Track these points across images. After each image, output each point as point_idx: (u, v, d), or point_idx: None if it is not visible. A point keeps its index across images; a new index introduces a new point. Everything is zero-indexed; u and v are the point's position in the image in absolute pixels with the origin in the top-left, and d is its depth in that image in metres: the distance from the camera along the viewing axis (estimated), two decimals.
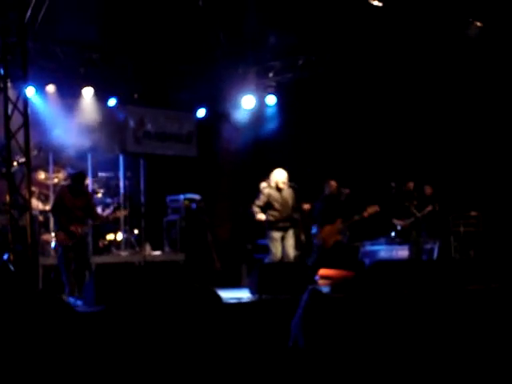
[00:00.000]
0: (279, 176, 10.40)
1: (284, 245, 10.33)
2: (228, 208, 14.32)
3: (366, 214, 11.34)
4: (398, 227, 11.92)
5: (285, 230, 10.34)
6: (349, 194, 11.60)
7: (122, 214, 11.45)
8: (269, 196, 10.35)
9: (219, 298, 5.91)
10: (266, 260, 10.55)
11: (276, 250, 10.29)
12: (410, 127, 13.14)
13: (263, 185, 10.56)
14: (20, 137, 9.45)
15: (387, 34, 11.63)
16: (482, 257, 11.95)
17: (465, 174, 12.73)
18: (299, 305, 4.98)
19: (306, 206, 10.64)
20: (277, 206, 10.34)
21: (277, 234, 10.32)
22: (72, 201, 9.36)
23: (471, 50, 11.61)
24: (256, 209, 10.31)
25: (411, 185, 11.79)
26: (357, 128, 13.48)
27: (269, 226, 10.36)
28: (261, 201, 10.36)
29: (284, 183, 10.34)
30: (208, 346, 5.31)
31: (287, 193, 10.44)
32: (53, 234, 10.39)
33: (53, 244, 10.38)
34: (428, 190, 12.37)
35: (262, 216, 10.27)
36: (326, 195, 11.54)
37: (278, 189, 10.37)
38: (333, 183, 11.56)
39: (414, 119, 13.09)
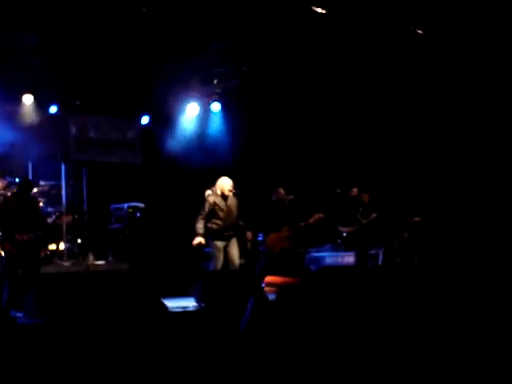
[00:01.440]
0: (225, 183, 10.35)
1: (228, 253, 10.28)
2: (173, 216, 14.18)
3: (311, 221, 11.36)
4: (344, 234, 11.99)
5: (228, 238, 10.30)
6: (292, 200, 11.61)
7: (66, 219, 11.23)
8: (214, 204, 10.29)
9: (164, 307, 5.81)
10: (210, 269, 10.48)
11: (218, 259, 10.24)
12: (354, 134, 13.26)
13: (208, 192, 10.50)
14: None
15: (331, 40, 11.69)
16: (426, 262, 12.09)
17: (407, 180, 12.88)
18: (245, 311, 4.94)
19: (249, 236, 10.78)
20: (221, 214, 10.30)
21: (220, 244, 10.27)
22: (18, 209, 9.14)
23: (400, 56, 11.77)
24: (198, 229, 10.20)
25: (355, 191, 11.87)
26: (301, 134, 13.54)
27: (212, 235, 10.30)
28: (206, 208, 10.28)
29: (230, 191, 10.30)
30: (153, 353, 5.20)
31: (232, 201, 10.41)
32: None
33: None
34: (365, 198, 12.46)
35: (200, 240, 10.21)
36: (272, 202, 11.50)
37: (224, 196, 10.31)
38: (281, 190, 11.55)
39: (357, 125, 13.22)
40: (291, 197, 11.76)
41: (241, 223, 10.54)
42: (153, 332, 5.65)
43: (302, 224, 11.46)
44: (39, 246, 9.44)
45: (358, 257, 11.92)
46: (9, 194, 11.20)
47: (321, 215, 11.38)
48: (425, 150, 12.84)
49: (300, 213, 11.64)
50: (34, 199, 9.94)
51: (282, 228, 11.38)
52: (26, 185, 9.57)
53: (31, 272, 9.22)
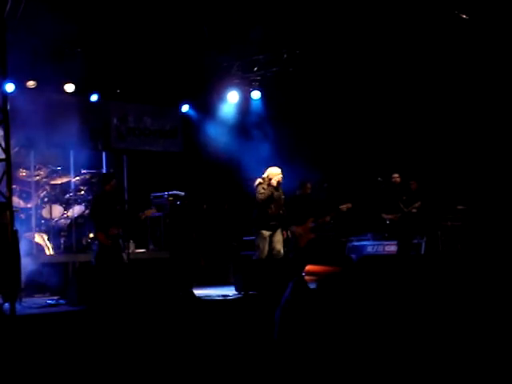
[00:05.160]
0: (276, 173, 10.29)
1: (273, 242, 10.24)
2: (214, 205, 14.17)
3: (337, 212, 11.40)
4: (387, 222, 11.81)
5: (275, 228, 10.26)
6: (328, 188, 11.68)
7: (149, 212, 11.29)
8: (270, 193, 10.22)
9: (195, 297, 5.78)
10: (254, 257, 10.45)
11: (264, 248, 10.19)
12: (396, 121, 13.08)
13: (260, 181, 10.39)
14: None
15: (372, 27, 11.52)
16: (469, 251, 11.90)
17: (452, 169, 12.66)
18: (283, 296, 4.88)
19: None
20: (272, 204, 10.24)
21: (266, 233, 10.22)
22: (111, 204, 9.79)
23: (455, 44, 11.54)
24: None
25: (396, 177, 11.67)
26: (342, 121, 13.40)
27: (259, 224, 10.24)
28: (265, 195, 10.17)
29: (280, 182, 10.28)
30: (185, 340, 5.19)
31: (280, 190, 10.39)
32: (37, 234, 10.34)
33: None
34: (413, 185, 12.30)
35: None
36: (296, 196, 11.43)
37: (275, 186, 10.26)
38: (308, 185, 11.53)
39: (400, 114, 13.02)
40: (325, 185, 11.89)
41: (282, 212, 10.49)
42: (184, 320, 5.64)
43: (327, 218, 11.50)
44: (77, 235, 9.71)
45: (400, 246, 11.76)
46: (52, 182, 11.36)
47: (348, 205, 11.36)
48: (469, 139, 12.60)
49: (331, 203, 11.62)
50: (122, 197, 10.49)
51: (307, 220, 11.33)
52: (108, 179, 10.00)
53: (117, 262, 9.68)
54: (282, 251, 10.30)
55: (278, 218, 10.33)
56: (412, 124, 12.97)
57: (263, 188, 10.21)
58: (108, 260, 9.54)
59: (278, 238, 10.29)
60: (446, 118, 12.71)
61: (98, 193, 10.23)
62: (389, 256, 11.76)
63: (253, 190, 10.47)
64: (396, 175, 11.65)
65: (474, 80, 12.19)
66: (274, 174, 10.31)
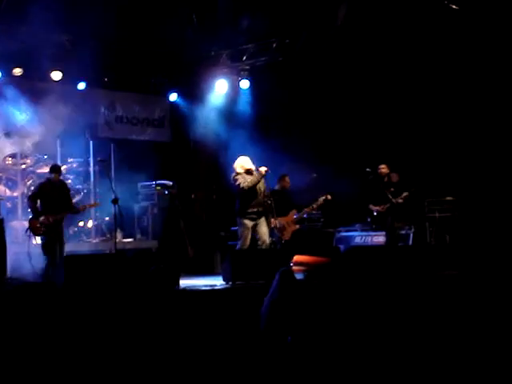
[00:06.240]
0: (245, 161, 10.24)
1: (258, 232, 10.18)
2: (201, 194, 14.13)
3: (317, 204, 11.46)
4: (375, 213, 11.76)
5: (259, 216, 10.21)
6: (314, 179, 11.76)
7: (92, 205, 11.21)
8: (257, 180, 10.16)
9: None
10: (237, 247, 10.40)
11: (246, 237, 10.15)
12: (385, 111, 13.04)
13: (236, 172, 10.32)
14: None
15: (363, 18, 11.47)
16: (457, 242, 11.89)
17: (439, 159, 12.65)
18: (270, 286, 4.85)
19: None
20: (257, 192, 10.19)
21: (249, 222, 10.17)
22: (50, 193, 9.65)
23: (444, 35, 11.51)
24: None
25: (384, 167, 11.60)
26: (332, 111, 13.35)
27: (243, 213, 10.19)
28: (253, 182, 10.14)
29: (255, 168, 10.22)
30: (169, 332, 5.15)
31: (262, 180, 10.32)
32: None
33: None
34: (394, 177, 12.25)
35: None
36: (276, 190, 11.40)
37: (250, 173, 10.19)
38: (287, 179, 11.56)
39: (389, 103, 12.99)
40: (314, 175, 11.91)
41: (269, 201, 10.42)
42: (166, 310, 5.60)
43: (306, 209, 11.51)
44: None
45: (387, 237, 11.75)
46: (38, 171, 11.28)
47: (327, 196, 11.41)
48: (457, 129, 12.58)
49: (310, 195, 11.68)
50: (64, 183, 10.21)
51: (289, 213, 11.33)
52: (55, 168, 9.92)
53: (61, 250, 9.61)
54: (267, 241, 10.24)
55: (263, 206, 10.28)
56: (401, 114, 12.94)
57: (243, 177, 10.16)
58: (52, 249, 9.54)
59: (264, 230, 10.22)
60: (435, 109, 12.68)
61: (42, 181, 10.11)
62: (377, 247, 11.75)
63: None
64: (383, 166, 11.56)
65: (462, 70, 12.17)
66: (245, 160, 10.27)
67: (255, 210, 10.19)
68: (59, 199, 9.76)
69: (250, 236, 10.20)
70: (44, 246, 9.62)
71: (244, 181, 10.12)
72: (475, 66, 12.02)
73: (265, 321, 4.84)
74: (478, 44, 11.62)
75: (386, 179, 11.54)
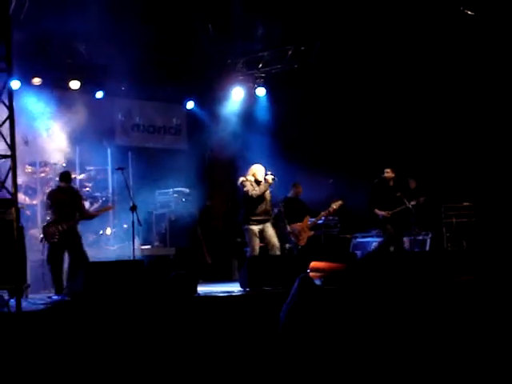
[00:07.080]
0: (258, 169, 10.34)
1: (265, 237, 10.24)
2: (218, 201, 14.18)
3: (331, 210, 11.52)
4: (380, 218, 11.57)
5: (264, 222, 10.29)
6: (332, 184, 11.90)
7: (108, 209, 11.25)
8: (265, 189, 10.27)
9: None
10: (247, 254, 10.47)
11: (255, 243, 10.22)
12: (402, 117, 13.05)
13: (243, 179, 10.42)
14: (5, 130, 9.27)
15: (376, 23, 11.51)
16: (475, 248, 11.86)
17: (457, 165, 12.64)
18: (290, 292, 4.89)
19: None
20: (263, 200, 10.28)
21: (256, 228, 10.23)
22: (60, 199, 9.62)
23: (458, 42, 11.52)
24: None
25: (389, 173, 11.44)
26: (348, 118, 13.38)
27: (248, 219, 10.26)
28: (261, 191, 10.25)
29: (264, 177, 10.33)
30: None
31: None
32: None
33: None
34: (412, 183, 12.25)
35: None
36: (288, 198, 11.54)
37: (257, 182, 10.28)
38: (300, 188, 11.73)
39: (406, 109, 13.00)
40: (331, 181, 12.11)
41: (280, 209, 10.59)
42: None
43: (322, 213, 11.59)
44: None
45: (381, 241, 11.67)
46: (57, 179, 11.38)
47: (340, 202, 11.47)
48: (475, 135, 12.57)
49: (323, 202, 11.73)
50: (74, 190, 10.22)
51: (304, 219, 11.45)
52: (65, 175, 9.93)
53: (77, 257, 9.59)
54: (277, 244, 10.30)
55: (267, 213, 10.37)
56: (419, 120, 12.95)
57: (252, 185, 10.26)
58: (56, 257, 9.56)
59: (270, 232, 10.31)
60: (453, 115, 12.68)
61: (51, 190, 10.18)
62: (393, 253, 11.74)
63: None
64: (388, 170, 11.43)
65: (477, 74, 12.17)
66: (259, 170, 10.37)
67: (260, 218, 10.29)
68: (70, 206, 9.75)
69: (258, 241, 10.27)
70: (49, 254, 9.64)
71: (252, 188, 10.22)
72: (493, 72, 12.02)
73: (283, 326, 4.89)
74: (493, 49, 11.62)
75: (391, 183, 11.45)
